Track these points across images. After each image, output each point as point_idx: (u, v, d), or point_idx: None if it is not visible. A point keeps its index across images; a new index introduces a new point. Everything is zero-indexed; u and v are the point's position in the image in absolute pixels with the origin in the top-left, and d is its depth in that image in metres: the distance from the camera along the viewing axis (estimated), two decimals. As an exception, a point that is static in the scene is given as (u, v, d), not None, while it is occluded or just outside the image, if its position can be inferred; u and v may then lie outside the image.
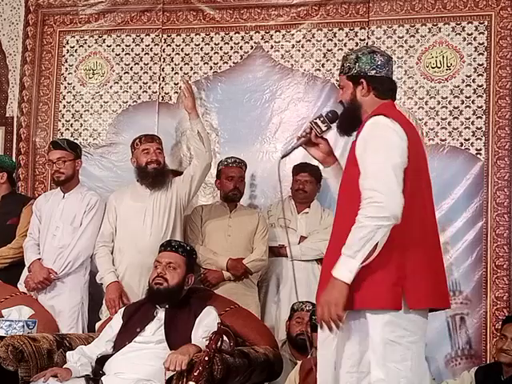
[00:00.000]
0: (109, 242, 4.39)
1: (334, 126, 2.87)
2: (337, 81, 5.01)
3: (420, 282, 2.60)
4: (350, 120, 2.81)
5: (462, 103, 4.83)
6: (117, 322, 3.62)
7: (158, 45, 5.30)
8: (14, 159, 5.18)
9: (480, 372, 4.24)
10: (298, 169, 4.69)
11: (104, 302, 4.31)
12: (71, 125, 5.39)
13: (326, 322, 2.55)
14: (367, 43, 4.91)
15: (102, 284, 4.36)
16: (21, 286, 4.45)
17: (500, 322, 4.39)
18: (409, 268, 2.59)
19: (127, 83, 5.34)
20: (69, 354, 3.46)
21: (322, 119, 2.83)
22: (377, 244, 2.53)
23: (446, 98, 4.86)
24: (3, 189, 4.81)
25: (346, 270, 2.53)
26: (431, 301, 2.66)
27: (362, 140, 2.66)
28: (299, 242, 4.64)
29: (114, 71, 5.37)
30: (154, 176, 4.37)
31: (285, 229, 4.70)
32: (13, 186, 4.91)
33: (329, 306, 2.53)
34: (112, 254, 4.38)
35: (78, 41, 5.44)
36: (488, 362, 4.50)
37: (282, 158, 2.78)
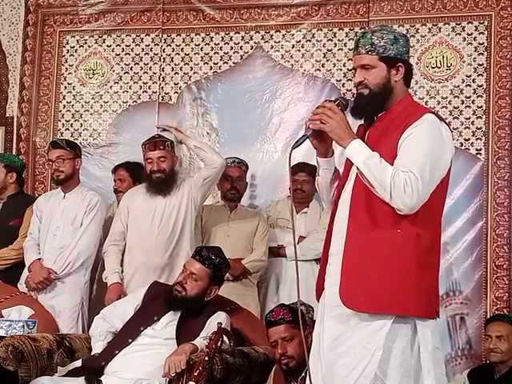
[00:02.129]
0: (119, 240, 4.40)
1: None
2: (337, 81, 5.03)
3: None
4: (376, 104, 2.58)
5: (462, 103, 4.83)
6: (138, 298, 3.70)
7: (158, 45, 5.30)
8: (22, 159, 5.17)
9: (473, 374, 4.26)
10: (296, 169, 4.65)
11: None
12: (71, 125, 5.39)
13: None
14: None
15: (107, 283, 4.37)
16: (21, 286, 4.44)
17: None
18: None
19: (127, 83, 5.34)
20: (96, 331, 3.63)
21: (337, 103, 2.55)
22: (368, 180, 2.46)
23: (446, 98, 4.86)
24: (11, 189, 4.79)
25: (360, 148, 2.49)
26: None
27: (419, 133, 2.47)
28: (298, 242, 4.62)
29: (114, 71, 5.37)
30: (157, 185, 4.38)
31: (285, 228, 4.71)
32: (21, 187, 4.90)
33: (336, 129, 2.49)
34: (124, 252, 4.40)
35: (78, 41, 5.44)
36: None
37: (294, 148, 2.56)
